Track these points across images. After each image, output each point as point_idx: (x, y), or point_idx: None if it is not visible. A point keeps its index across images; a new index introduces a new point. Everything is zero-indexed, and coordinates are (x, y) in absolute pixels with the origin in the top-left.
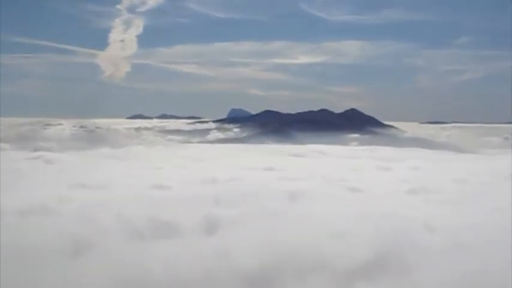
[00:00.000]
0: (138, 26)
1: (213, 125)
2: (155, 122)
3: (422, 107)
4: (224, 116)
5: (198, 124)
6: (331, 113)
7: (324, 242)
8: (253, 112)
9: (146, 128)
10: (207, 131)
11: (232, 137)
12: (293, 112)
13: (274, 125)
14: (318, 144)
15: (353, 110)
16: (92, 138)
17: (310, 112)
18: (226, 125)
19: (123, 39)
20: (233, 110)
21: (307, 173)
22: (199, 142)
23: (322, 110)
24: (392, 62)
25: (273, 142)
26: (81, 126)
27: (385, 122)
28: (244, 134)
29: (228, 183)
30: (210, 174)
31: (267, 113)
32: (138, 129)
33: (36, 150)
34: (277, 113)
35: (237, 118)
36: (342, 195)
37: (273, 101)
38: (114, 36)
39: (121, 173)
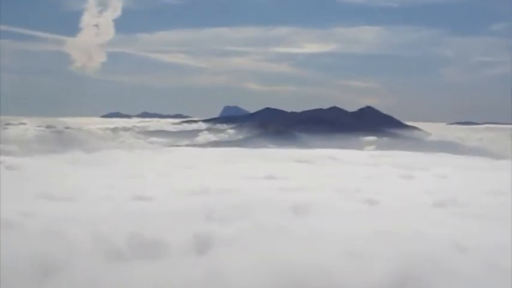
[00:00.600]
0: (116, 8)
1: (203, 126)
2: (135, 122)
3: (450, 104)
4: (217, 115)
5: (185, 124)
6: (343, 112)
7: (334, 264)
8: (252, 110)
9: (124, 129)
10: (197, 132)
11: (226, 140)
12: (298, 110)
13: (276, 125)
14: (328, 148)
15: (369, 108)
16: (61, 140)
17: (319, 110)
18: (219, 126)
19: (98, 23)
20: (227, 108)
21: (315, 182)
22: (187, 145)
23: (333, 108)
24: (415, 51)
25: (275, 146)
26: (48, 126)
27: (407, 123)
28: (240, 136)
29: (221, 195)
30: (200, 183)
31: (268, 112)
32: (115, 129)
33: None
34: (280, 111)
35: (232, 117)
36: (356, 209)
37: (275, 97)
38: (87, 20)
39: (95, 182)
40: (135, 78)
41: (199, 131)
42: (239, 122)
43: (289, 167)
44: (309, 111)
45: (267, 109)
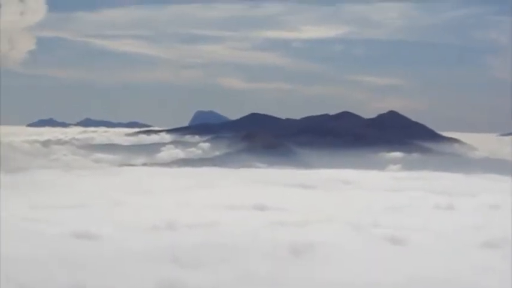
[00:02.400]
0: None
1: (167, 137)
2: (74, 132)
3: (501, 109)
4: (186, 123)
5: (143, 136)
6: (356, 119)
7: None
8: (233, 117)
9: (60, 142)
10: (158, 146)
11: (199, 157)
12: (296, 117)
13: (265, 137)
14: (337, 168)
15: (392, 113)
16: None
17: (324, 117)
18: (188, 138)
19: None
20: (200, 114)
21: (320, 214)
22: (145, 164)
23: (343, 114)
24: (453, 36)
25: (265, 165)
26: None
27: (443, 133)
28: (217, 152)
29: (193, 231)
30: (163, 215)
31: (254, 118)
32: (46, 143)
33: None
34: (271, 118)
35: (206, 126)
36: (376, 251)
37: (264, 99)
38: None
39: (16, 213)
40: (73, 73)
41: (162, 144)
42: (216, 133)
43: (285, 194)
44: (310, 117)
45: (253, 115)
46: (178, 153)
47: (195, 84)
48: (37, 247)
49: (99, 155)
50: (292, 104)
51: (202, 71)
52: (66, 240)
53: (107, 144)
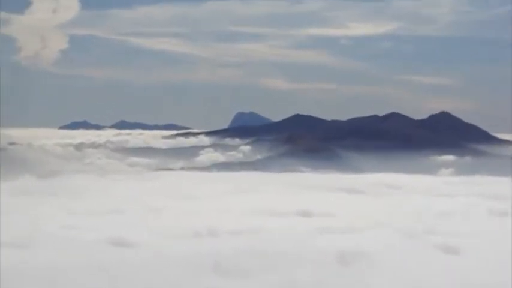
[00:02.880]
0: None
1: (206, 140)
2: (109, 135)
3: None
4: (226, 126)
5: (181, 139)
6: (406, 120)
7: None
8: (274, 118)
9: (94, 145)
10: (197, 149)
11: (240, 160)
12: (342, 118)
13: (310, 139)
14: (386, 172)
15: (444, 114)
16: (3, 161)
17: (372, 119)
18: (229, 140)
19: None
20: (240, 116)
21: (368, 221)
22: (184, 169)
23: (392, 115)
24: (507, 32)
25: (310, 169)
26: None
27: (498, 135)
28: (259, 156)
29: (235, 238)
30: (204, 222)
31: (298, 120)
32: (80, 146)
33: None
34: (316, 119)
35: (247, 128)
36: (429, 259)
37: (308, 99)
38: None
39: (52, 220)
40: (108, 72)
41: (201, 148)
42: (257, 135)
43: (331, 200)
44: (357, 119)
45: (297, 116)
46: (218, 156)
47: (235, 84)
48: (72, 254)
49: (135, 159)
50: (338, 104)
51: (242, 70)
52: (101, 247)
53: (142, 148)
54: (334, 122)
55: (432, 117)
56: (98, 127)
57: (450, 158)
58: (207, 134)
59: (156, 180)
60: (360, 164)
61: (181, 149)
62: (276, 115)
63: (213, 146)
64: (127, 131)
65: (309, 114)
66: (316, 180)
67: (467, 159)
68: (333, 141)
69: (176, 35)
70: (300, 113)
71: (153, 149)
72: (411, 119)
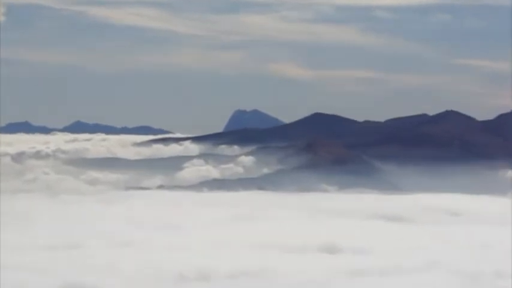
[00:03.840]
0: None
1: (193, 149)
2: (60, 141)
3: None
4: (220, 128)
5: (159, 146)
6: (467, 121)
7: None
8: (287, 119)
9: (39, 155)
10: (181, 161)
11: (240, 176)
12: (379, 119)
13: (335, 147)
14: (439, 192)
15: None
16: None
17: (420, 119)
18: (224, 149)
19: None
20: (240, 115)
21: (417, 259)
22: (163, 187)
23: (447, 114)
24: None
25: (335, 187)
26: None
27: None
28: (265, 169)
29: (233, 284)
30: (191, 261)
31: (319, 121)
32: (19, 156)
33: None
34: (343, 120)
35: (249, 132)
36: None
37: (332, 92)
38: None
39: None
40: (58, 56)
41: (187, 158)
42: (263, 142)
43: (365, 230)
44: (399, 119)
45: (317, 116)
46: (210, 171)
47: (233, 72)
48: None
49: (96, 174)
50: (374, 100)
51: (244, 53)
52: None
53: (106, 159)
54: (368, 124)
55: (501, 118)
56: (44, 130)
57: None
58: (195, 140)
59: (125, 203)
60: (403, 180)
61: (159, 160)
62: (289, 114)
63: (203, 156)
64: (85, 136)
65: (334, 113)
66: (345, 202)
67: None
68: (366, 149)
69: (153, 5)
70: (322, 111)
71: (120, 161)
72: (473, 120)
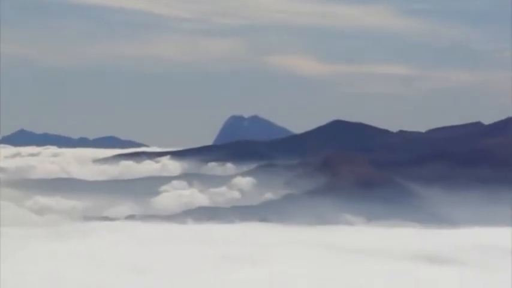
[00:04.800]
0: None
1: (174, 167)
2: None
3: None
4: (209, 141)
5: (128, 163)
6: None
7: None
8: (298, 128)
9: None
10: (158, 183)
11: (236, 204)
12: (418, 129)
13: (360, 165)
14: (499, 225)
15: None
16: None
17: (473, 128)
18: (214, 167)
19: None
20: (236, 122)
21: None
22: (133, 218)
23: (509, 122)
24: None
25: (361, 219)
26: None
27: None
28: (270, 194)
29: None
30: None
31: (340, 131)
32: None
33: None
34: (370, 129)
35: (247, 146)
36: None
37: (357, 94)
38: None
39: None
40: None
41: (165, 180)
42: (266, 158)
43: (401, 275)
44: (444, 129)
45: (338, 124)
46: (195, 196)
47: (228, 67)
48: None
49: (45, 200)
50: (412, 104)
51: (242, 42)
52: None
53: (59, 180)
54: (404, 135)
55: None
56: None
57: None
58: (176, 155)
59: (83, 239)
60: (451, 210)
61: (129, 182)
62: (300, 122)
63: (186, 176)
64: (31, 149)
65: (359, 120)
66: (374, 239)
67: None
68: (401, 168)
69: None
70: (343, 118)
71: (77, 183)
72: None
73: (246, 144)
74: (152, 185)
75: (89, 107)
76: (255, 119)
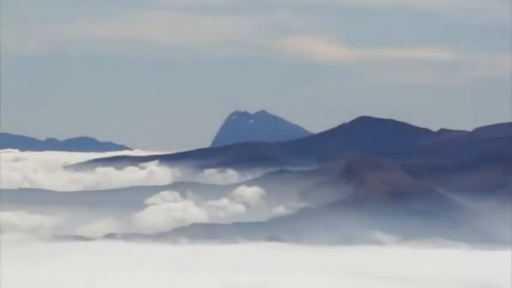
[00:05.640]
0: None
1: (163, 174)
2: None
3: None
4: (207, 143)
5: (107, 170)
6: None
7: None
8: (314, 128)
9: None
10: (144, 194)
11: (239, 219)
12: (464, 127)
13: (393, 172)
14: None
15: None
16: None
17: None
18: (213, 174)
19: None
20: (238, 119)
21: None
22: (113, 237)
23: None
24: None
25: (396, 237)
26: None
27: None
28: (282, 208)
29: None
30: None
31: (366, 129)
32: None
33: None
34: (404, 128)
35: (253, 148)
36: None
37: (386, 84)
38: None
39: None
40: None
41: (152, 190)
42: (277, 164)
43: None
44: (495, 127)
45: (364, 122)
46: (190, 210)
47: (231, 51)
48: None
49: (6, 216)
50: (455, 97)
51: (249, 21)
52: None
53: (22, 190)
54: (447, 135)
55: None
56: None
57: None
58: (165, 160)
59: (52, 263)
60: (504, 227)
61: (108, 193)
62: (318, 120)
63: (179, 186)
64: None
65: (391, 117)
66: (411, 262)
67: None
68: (443, 175)
69: None
70: (371, 114)
71: (45, 194)
72: None
73: (252, 146)
74: (136, 196)
75: (58, 101)
76: (263, 116)
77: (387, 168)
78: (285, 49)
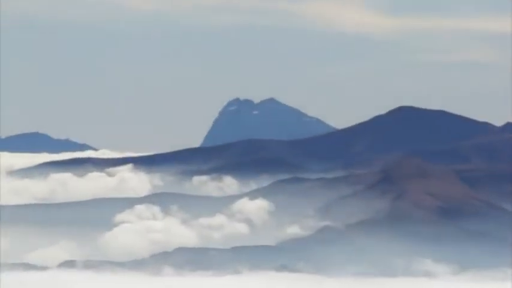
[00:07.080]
0: None
1: (138, 181)
2: None
3: None
4: (197, 141)
5: (66, 176)
6: None
7: None
8: (339, 122)
9: None
10: (114, 208)
11: (239, 242)
12: None
13: (443, 179)
14: None
15: None
16: None
17: None
18: (204, 182)
19: None
20: (238, 109)
21: None
22: (73, 266)
23: None
24: None
25: (452, 267)
26: None
27: None
28: (297, 228)
29: None
30: None
31: (408, 122)
32: None
33: None
34: (459, 121)
35: (258, 147)
36: None
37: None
38: None
39: None
40: None
41: (125, 203)
42: (289, 169)
43: None
44: None
45: (405, 112)
46: (174, 230)
47: (228, 19)
48: None
49: None
50: None
51: None
52: None
53: None
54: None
55: None
56: None
57: None
58: (140, 163)
59: None
60: None
61: (66, 207)
62: (343, 110)
63: (159, 198)
64: None
65: (440, 107)
66: None
67: None
68: (509, 185)
69: None
70: (413, 103)
71: None
72: None
73: (256, 146)
74: (103, 212)
75: (6, 86)
76: (271, 105)
77: (436, 175)
78: (304, 16)
